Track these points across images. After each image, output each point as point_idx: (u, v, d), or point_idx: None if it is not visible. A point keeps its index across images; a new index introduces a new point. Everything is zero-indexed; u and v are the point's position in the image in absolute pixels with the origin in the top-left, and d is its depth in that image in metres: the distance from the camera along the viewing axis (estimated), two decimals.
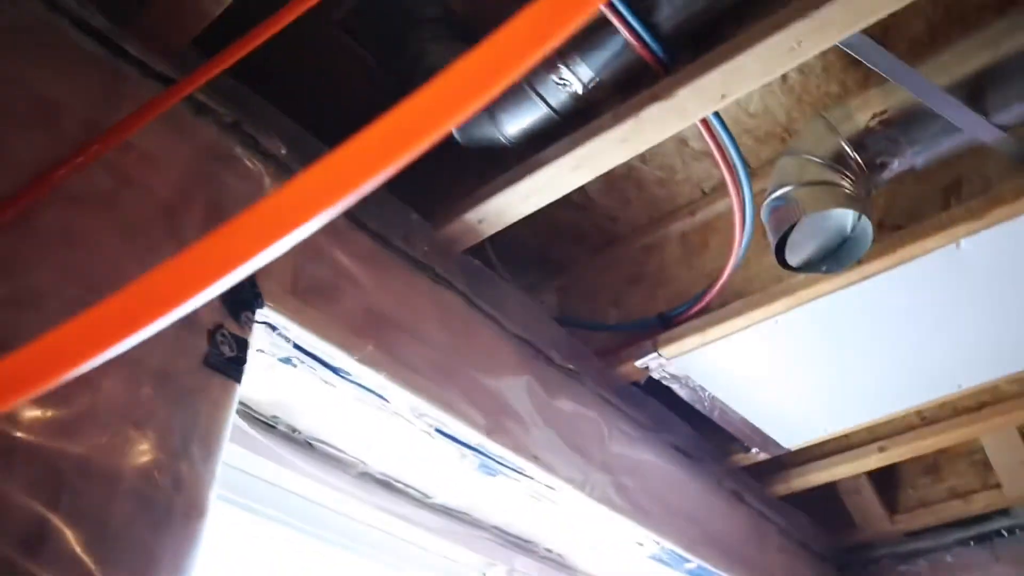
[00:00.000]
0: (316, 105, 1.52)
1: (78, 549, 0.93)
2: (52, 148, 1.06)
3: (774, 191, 1.64)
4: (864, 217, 1.61)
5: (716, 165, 1.86)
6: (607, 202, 1.96)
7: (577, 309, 2.04)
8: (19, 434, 0.91)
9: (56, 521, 0.92)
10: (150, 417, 1.04)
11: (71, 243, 1.04)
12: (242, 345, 1.20)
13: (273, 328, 1.28)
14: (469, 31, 1.61)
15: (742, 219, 1.72)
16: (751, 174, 1.70)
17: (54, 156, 1.06)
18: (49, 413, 0.94)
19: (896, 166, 1.60)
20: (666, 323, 1.88)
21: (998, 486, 2.38)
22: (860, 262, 1.68)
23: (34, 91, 1.09)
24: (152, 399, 1.05)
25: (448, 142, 1.57)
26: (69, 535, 0.93)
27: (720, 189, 1.93)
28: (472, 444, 1.57)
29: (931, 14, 1.62)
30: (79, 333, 0.38)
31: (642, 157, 1.79)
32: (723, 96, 1.37)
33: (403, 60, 1.57)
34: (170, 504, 1.02)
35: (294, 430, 1.52)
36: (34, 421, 0.93)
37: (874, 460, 2.30)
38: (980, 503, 2.39)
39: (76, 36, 1.17)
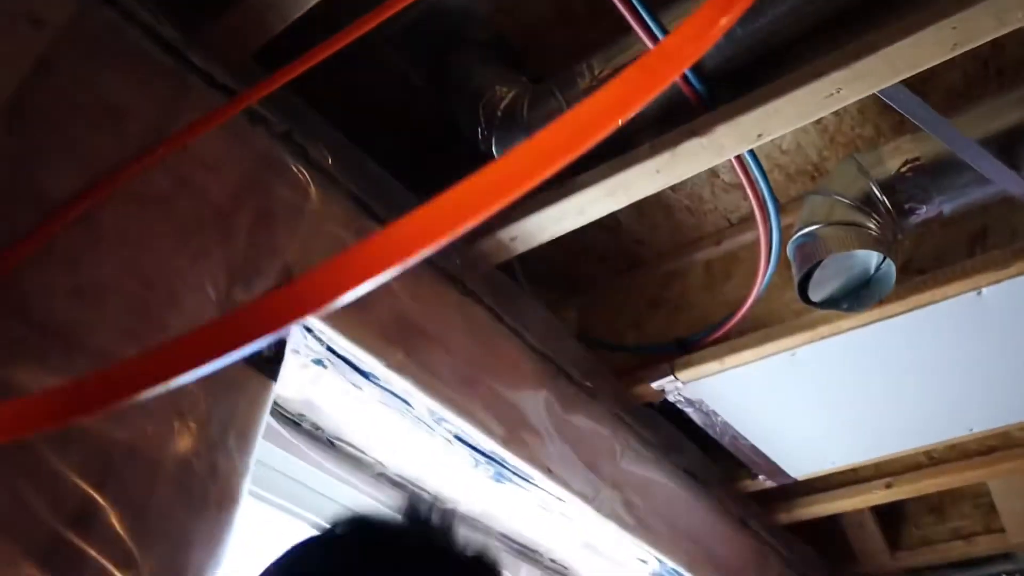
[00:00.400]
0: (361, 118, 1.57)
1: (120, 529, 0.98)
2: (117, 150, 1.12)
3: (801, 228, 1.68)
4: (888, 259, 1.65)
5: (745, 197, 1.90)
6: (635, 226, 2.00)
7: (597, 328, 2.09)
8: None
9: (102, 501, 0.97)
10: (193, 408, 1.10)
11: (130, 241, 1.10)
12: (280, 346, 1.25)
13: (309, 330, 1.33)
14: (518, 56, 1.66)
15: (768, 252, 1.76)
16: (779, 209, 1.74)
17: (119, 157, 1.12)
18: None
19: (924, 212, 1.64)
20: (684, 348, 1.92)
21: (1002, 530, 2.40)
22: (881, 303, 1.71)
23: (104, 95, 1.15)
24: (196, 392, 1.10)
25: (484, 158, 1.62)
26: (112, 515, 0.98)
27: (747, 221, 1.97)
28: (488, 453, 1.62)
29: (968, 68, 1.65)
30: (163, 358, 0.42)
31: (672, 186, 1.83)
32: (759, 136, 1.41)
33: (450, 81, 1.63)
34: (206, 492, 1.08)
35: (318, 428, 1.57)
36: None
37: (879, 496, 2.33)
38: (983, 546, 2.41)
39: (147, 45, 1.23)
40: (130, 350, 1.03)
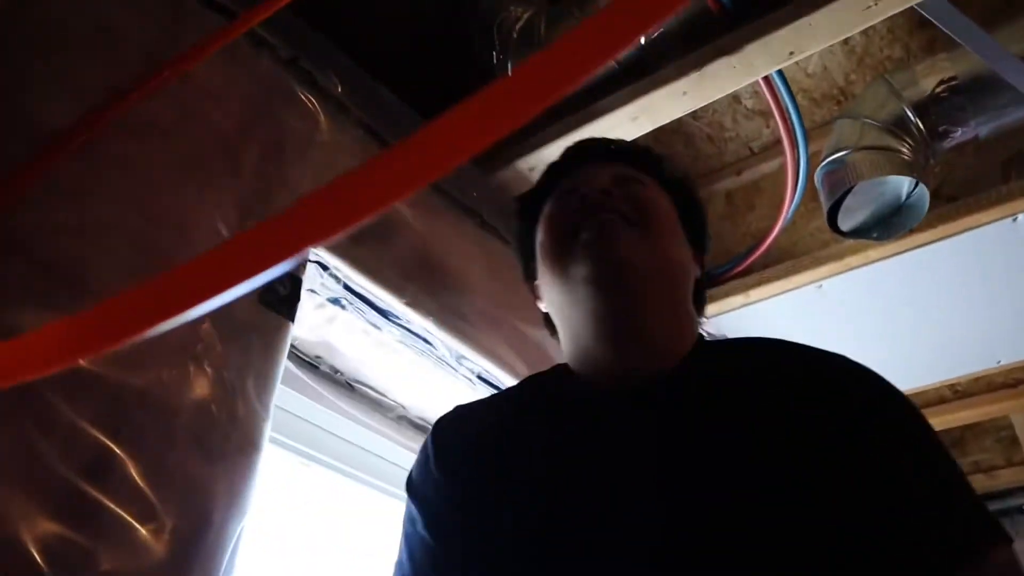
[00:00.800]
0: (370, 42, 1.49)
1: (138, 480, 0.93)
2: (113, 76, 1.04)
3: (830, 154, 1.61)
4: (921, 185, 1.58)
5: (768, 124, 1.82)
6: None
7: None
8: (84, 364, 0.91)
9: (118, 451, 0.92)
10: (208, 352, 1.04)
11: (133, 174, 1.03)
12: (296, 284, 1.19)
13: (325, 268, 1.27)
14: None
15: (795, 180, 1.69)
16: (807, 135, 1.66)
17: (115, 84, 1.05)
18: None
19: (959, 135, 1.57)
20: (707, 281, 1.86)
21: (1023, 463, 2.38)
22: (912, 231, 1.65)
23: (96, 18, 1.07)
24: (210, 334, 1.04)
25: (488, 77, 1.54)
26: (129, 466, 0.93)
27: (769, 149, 1.89)
28: None
29: None
30: (165, 291, 0.36)
31: (693, 112, 1.75)
32: (791, 54, 1.33)
33: (462, 3, 1.54)
34: (226, 438, 1.03)
35: (336, 371, 1.52)
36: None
37: None
38: (1004, 479, 2.39)
39: None
40: None
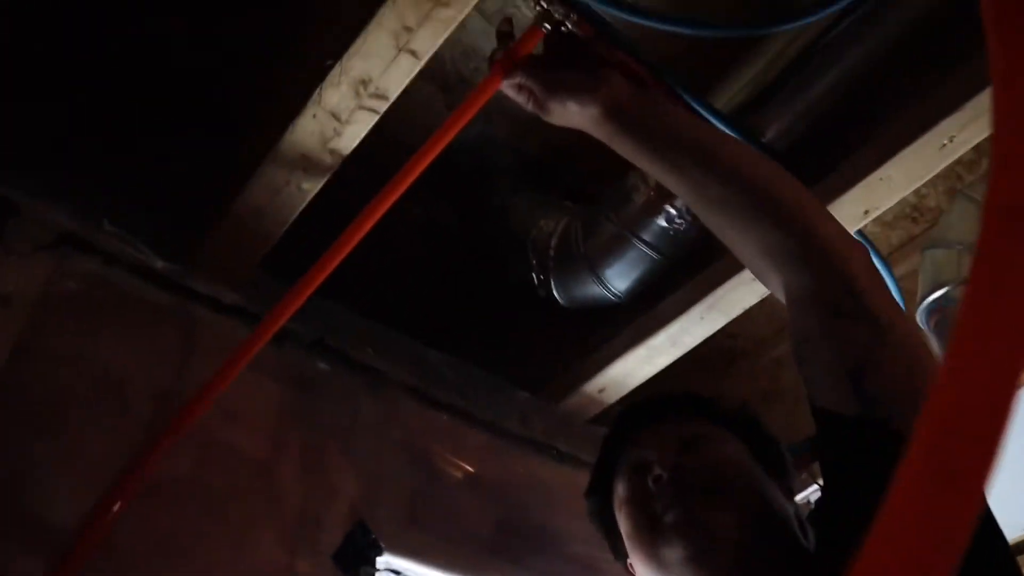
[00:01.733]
0: (397, 288, 1.36)
1: None
2: (123, 440, 0.91)
3: (930, 291, 1.41)
4: None
5: None
6: None
7: None
8: None
9: None
10: None
11: (166, 551, 0.89)
12: None
13: (396, 574, 1.10)
14: (551, 175, 1.45)
15: None
16: (887, 260, 1.48)
17: (126, 440, 0.92)
18: None
19: None
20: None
21: None
22: None
23: (103, 375, 0.95)
24: None
25: (540, 302, 1.40)
26: None
27: None
28: None
29: None
30: None
31: None
32: (866, 212, 1.17)
33: (486, 219, 1.42)
34: None
35: None
36: None
37: None
38: None
39: (138, 286, 1.04)
40: None
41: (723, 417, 0.92)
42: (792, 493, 0.90)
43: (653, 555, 0.81)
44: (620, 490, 0.88)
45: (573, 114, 0.85)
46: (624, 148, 0.83)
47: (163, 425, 0.93)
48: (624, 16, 0.98)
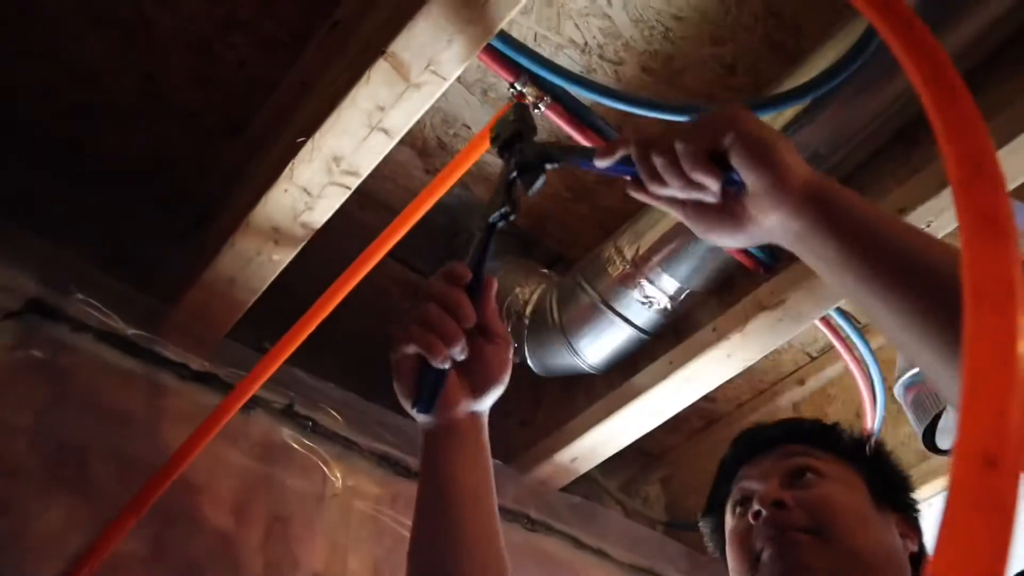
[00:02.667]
0: (368, 354, 1.35)
1: None
2: (82, 506, 0.90)
3: (909, 367, 1.41)
4: None
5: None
6: None
7: (686, 500, 1.81)
8: None
9: None
10: None
11: None
12: None
13: None
14: (529, 240, 1.45)
15: (869, 386, 1.49)
16: (862, 330, 1.48)
17: (86, 513, 0.91)
18: None
19: None
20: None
21: None
22: None
23: (56, 436, 0.94)
24: None
25: (514, 369, 1.39)
26: None
27: (830, 351, 1.70)
28: None
29: None
30: None
31: None
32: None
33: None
34: None
35: None
36: None
37: None
38: None
39: (105, 352, 1.04)
40: None
41: (842, 448, 0.90)
42: (917, 530, 0.87)
43: None
44: (728, 519, 0.89)
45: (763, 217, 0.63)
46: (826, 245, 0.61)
47: (127, 497, 0.92)
48: (604, 101, 0.99)
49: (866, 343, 1.44)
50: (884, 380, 1.48)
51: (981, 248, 0.30)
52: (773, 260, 1.18)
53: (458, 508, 0.70)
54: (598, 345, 1.24)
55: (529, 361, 1.30)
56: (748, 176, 0.61)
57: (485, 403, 0.73)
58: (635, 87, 1.24)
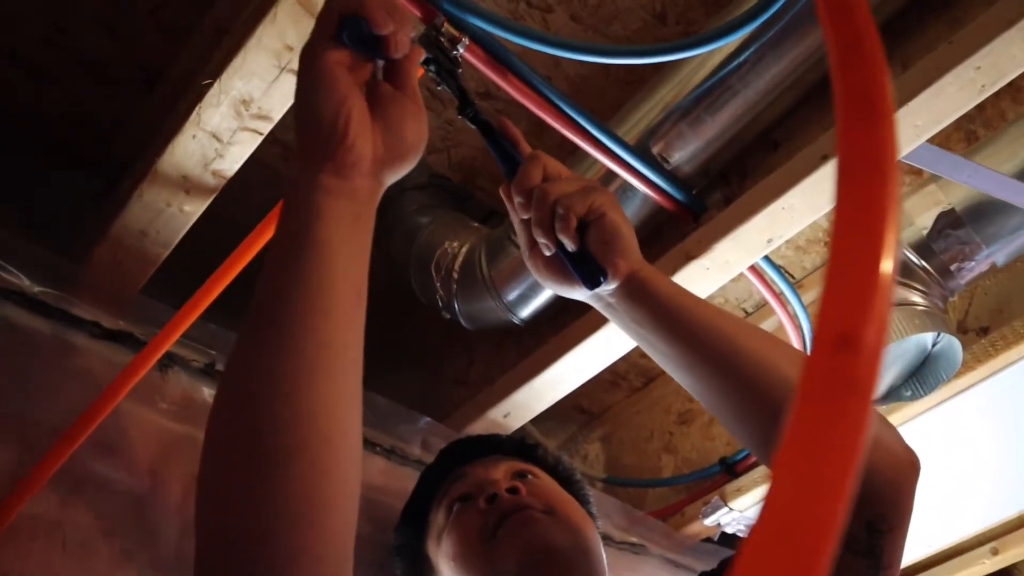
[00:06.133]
0: None
1: None
2: None
3: None
4: (945, 335, 1.39)
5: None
6: None
7: (625, 459, 1.81)
8: None
9: None
10: None
11: None
12: None
13: None
14: (459, 192, 1.42)
15: (801, 341, 1.50)
16: (796, 286, 1.49)
17: None
18: None
19: (974, 268, 1.39)
20: (730, 469, 1.64)
21: None
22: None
23: None
24: None
25: (434, 322, 1.37)
26: None
27: (765, 307, 1.71)
28: None
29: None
30: None
31: None
32: (770, 241, 1.16)
33: (392, 238, 1.39)
34: None
35: None
36: None
37: (988, 565, 2.02)
38: None
39: (10, 312, 0.99)
40: None
41: (542, 462, 1.00)
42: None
43: (485, 566, 0.83)
44: (440, 519, 0.92)
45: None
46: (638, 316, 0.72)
47: (31, 461, 0.88)
48: (532, 45, 0.96)
49: (799, 298, 1.45)
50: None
51: (853, 123, 0.28)
52: (702, 207, 1.17)
53: (327, 313, 0.54)
54: (526, 298, 1.23)
55: (459, 315, 1.28)
56: (593, 248, 0.71)
57: (389, 173, 0.61)
58: (564, 36, 1.21)
